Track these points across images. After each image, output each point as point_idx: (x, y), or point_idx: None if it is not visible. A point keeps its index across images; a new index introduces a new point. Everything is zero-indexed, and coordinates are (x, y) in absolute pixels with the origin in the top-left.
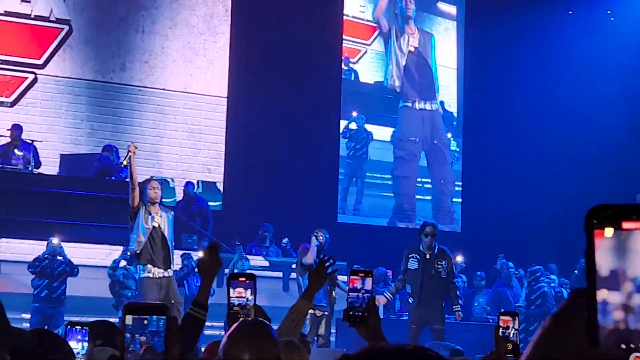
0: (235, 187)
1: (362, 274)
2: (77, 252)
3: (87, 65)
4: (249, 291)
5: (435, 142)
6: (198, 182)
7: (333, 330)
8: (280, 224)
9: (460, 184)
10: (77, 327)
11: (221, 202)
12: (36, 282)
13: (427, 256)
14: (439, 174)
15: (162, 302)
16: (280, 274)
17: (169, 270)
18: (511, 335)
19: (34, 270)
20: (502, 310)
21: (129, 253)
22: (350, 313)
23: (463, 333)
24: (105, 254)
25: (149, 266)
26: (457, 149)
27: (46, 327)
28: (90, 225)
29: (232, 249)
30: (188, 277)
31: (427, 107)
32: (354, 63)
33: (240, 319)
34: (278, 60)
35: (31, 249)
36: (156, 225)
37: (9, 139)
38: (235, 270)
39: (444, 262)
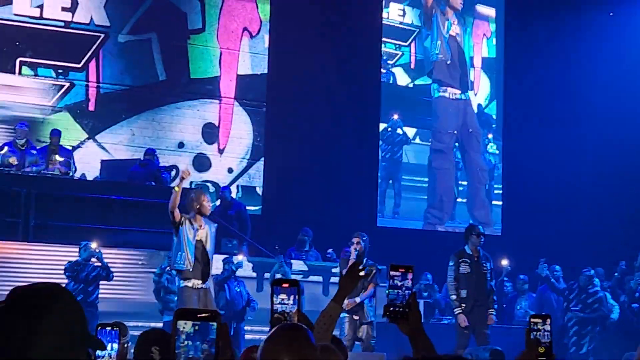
0: (275, 192)
1: (402, 270)
2: (118, 257)
3: (126, 71)
4: (292, 297)
5: (470, 130)
6: (238, 186)
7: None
8: (320, 228)
9: (500, 186)
10: (107, 328)
11: (260, 207)
12: (71, 287)
13: (476, 259)
14: (474, 162)
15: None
16: (320, 278)
17: (207, 282)
18: (543, 338)
19: (69, 275)
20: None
21: (174, 270)
22: (391, 309)
23: (505, 336)
24: (146, 259)
25: (189, 277)
26: (497, 151)
27: None
28: (131, 230)
29: (272, 254)
30: (228, 281)
31: (463, 97)
32: (392, 66)
33: (280, 324)
34: (316, 64)
35: (72, 254)
36: (199, 238)
37: (48, 144)
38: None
39: (488, 265)
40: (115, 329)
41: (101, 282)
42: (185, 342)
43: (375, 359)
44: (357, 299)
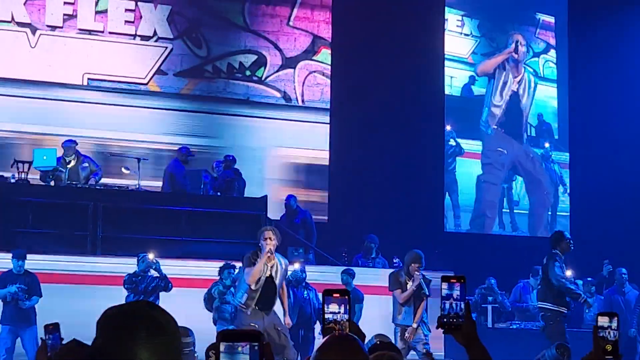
0: (340, 199)
1: (453, 280)
2: (176, 269)
3: (190, 82)
4: (342, 306)
5: (530, 155)
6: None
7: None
8: (386, 235)
9: (567, 193)
10: None
11: (327, 215)
12: (130, 298)
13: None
14: (538, 183)
15: (265, 328)
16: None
17: (268, 312)
18: (610, 336)
19: (129, 287)
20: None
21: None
22: (444, 320)
23: (574, 340)
24: (208, 269)
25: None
26: (563, 157)
27: None
28: (198, 241)
29: (338, 261)
30: (294, 287)
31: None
32: (452, 77)
33: (331, 334)
34: (381, 73)
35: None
36: (268, 275)
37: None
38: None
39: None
40: None
41: (161, 293)
42: None
43: None
44: (415, 325)
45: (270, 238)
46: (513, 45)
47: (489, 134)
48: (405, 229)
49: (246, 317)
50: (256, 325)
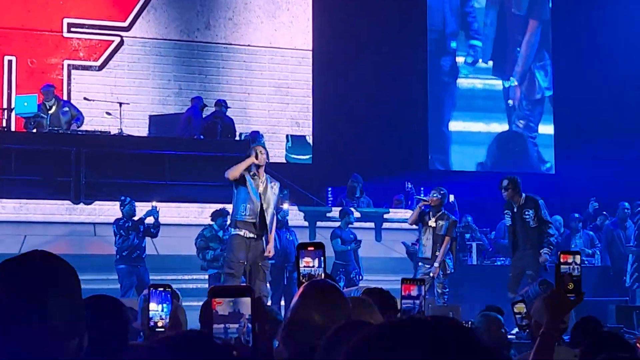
0: (325, 140)
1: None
2: (168, 212)
3: (171, 26)
4: (317, 260)
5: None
6: (287, 136)
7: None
8: (370, 175)
9: (552, 123)
10: (159, 289)
11: (311, 155)
12: (120, 242)
13: (515, 209)
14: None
15: (249, 262)
16: (372, 225)
17: (259, 236)
18: (574, 272)
19: (121, 232)
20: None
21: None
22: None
23: None
24: (198, 212)
25: (242, 227)
26: (548, 85)
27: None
28: (180, 185)
29: (321, 202)
30: (278, 230)
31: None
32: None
33: (310, 280)
34: (361, 9)
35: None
36: (260, 192)
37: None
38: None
39: (530, 212)
40: (167, 289)
41: (148, 237)
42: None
43: (453, 310)
44: (436, 264)
45: (260, 152)
46: None
47: None
48: (390, 166)
49: (235, 245)
50: (242, 262)
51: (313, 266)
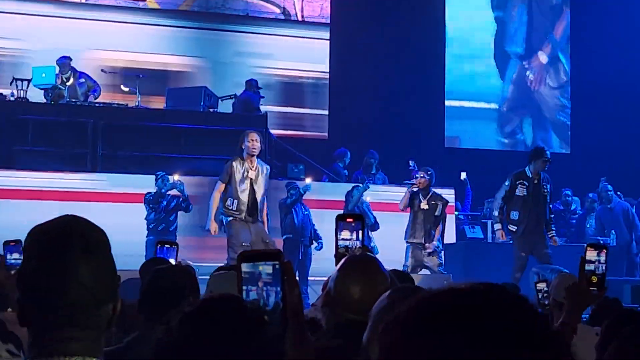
0: (340, 116)
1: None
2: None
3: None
4: (355, 233)
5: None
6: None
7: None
8: (387, 151)
9: (569, 103)
10: (166, 246)
11: (327, 132)
12: (153, 217)
13: (535, 181)
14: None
15: (255, 242)
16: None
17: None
18: (598, 270)
19: (153, 206)
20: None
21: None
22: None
23: (576, 254)
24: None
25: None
26: (567, 68)
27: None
28: (196, 158)
29: (337, 177)
30: (295, 205)
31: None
32: None
33: (349, 255)
34: None
35: (143, 183)
36: (252, 177)
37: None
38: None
39: (548, 186)
40: (173, 246)
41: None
42: (251, 285)
43: (442, 280)
44: (435, 242)
45: (255, 140)
46: None
47: None
48: (405, 144)
49: (235, 229)
50: (245, 244)
51: (351, 239)
